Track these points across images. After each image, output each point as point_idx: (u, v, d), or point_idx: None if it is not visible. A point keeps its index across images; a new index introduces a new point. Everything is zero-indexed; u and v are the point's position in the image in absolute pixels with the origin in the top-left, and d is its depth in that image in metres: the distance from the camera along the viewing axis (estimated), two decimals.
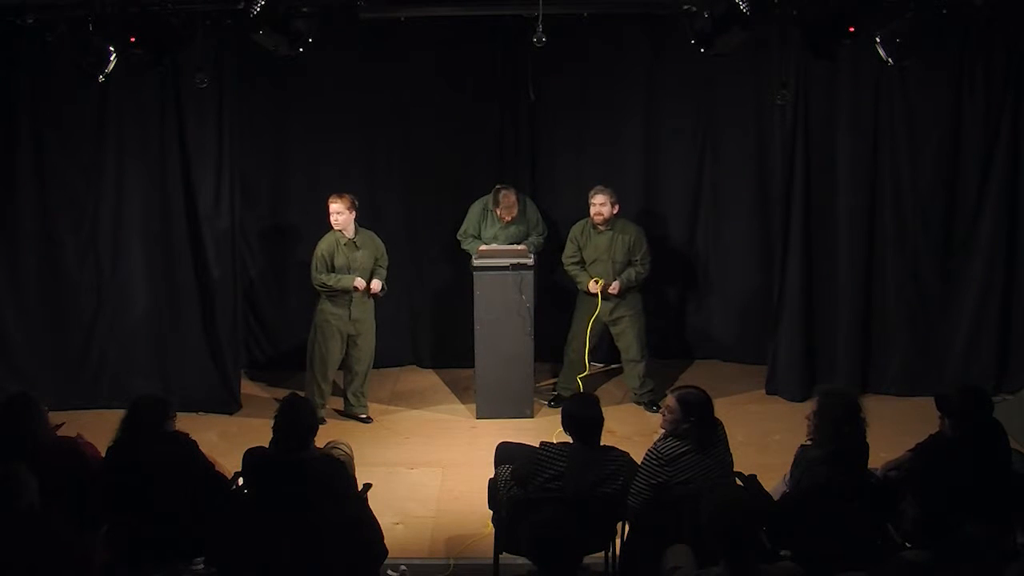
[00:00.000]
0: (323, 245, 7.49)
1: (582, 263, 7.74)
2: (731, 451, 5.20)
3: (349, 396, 7.75)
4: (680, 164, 8.55)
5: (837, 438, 4.87)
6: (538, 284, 7.72)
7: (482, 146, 8.45)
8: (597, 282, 7.60)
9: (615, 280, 7.61)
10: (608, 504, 5.09)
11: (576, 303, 7.85)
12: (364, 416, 7.74)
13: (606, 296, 7.61)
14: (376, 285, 7.55)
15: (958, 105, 7.60)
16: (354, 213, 7.46)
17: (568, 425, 5.21)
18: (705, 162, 8.53)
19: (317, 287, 7.52)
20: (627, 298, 7.73)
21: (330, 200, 7.43)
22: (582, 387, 7.59)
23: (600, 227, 7.64)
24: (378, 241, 7.68)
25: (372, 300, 7.65)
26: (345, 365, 7.71)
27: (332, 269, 7.47)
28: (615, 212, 7.64)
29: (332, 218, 7.42)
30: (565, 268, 7.83)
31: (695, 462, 4.98)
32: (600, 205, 7.59)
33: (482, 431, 7.47)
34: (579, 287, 7.76)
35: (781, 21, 6.69)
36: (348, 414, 7.76)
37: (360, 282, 7.46)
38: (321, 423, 7.41)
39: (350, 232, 7.48)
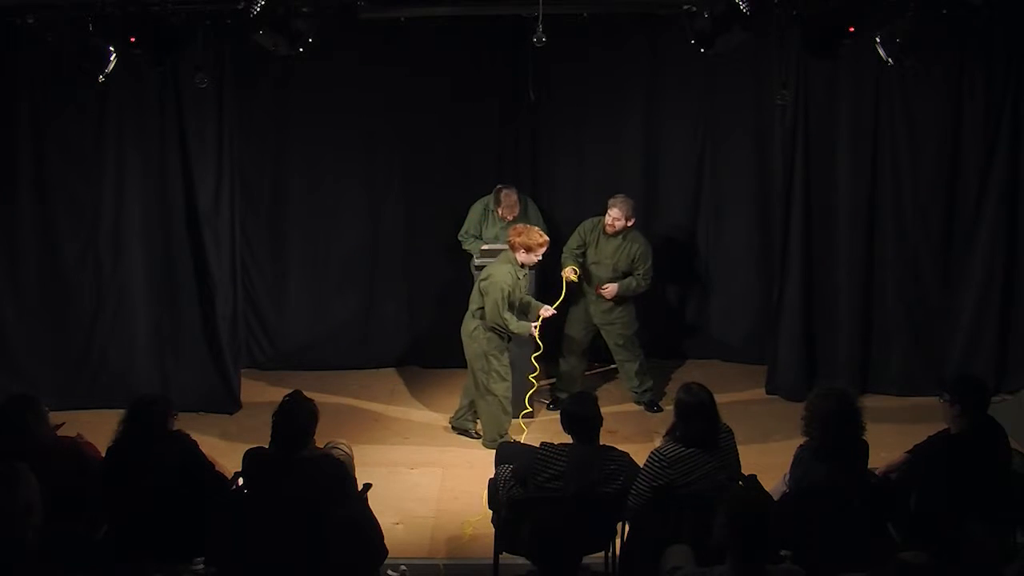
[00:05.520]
0: (507, 279, 6.93)
1: (582, 257, 7.67)
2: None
3: (469, 412, 7.44)
4: (680, 164, 8.55)
5: (828, 436, 4.86)
6: (538, 284, 7.72)
7: (482, 146, 8.44)
8: (575, 271, 7.55)
9: (612, 285, 7.57)
10: (608, 504, 5.09)
11: (568, 313, 7.73)
12: (475, 432, 7.45)
13: (605, 308, 7.61)
14: (549, 311, 7.17)
15: (958, 105, 7.60)
16: None
17: (567, 424, 5.21)
18: (705, 162, 8.53)
19: (494, 324, 7.00)
20: (620, 304, 7.71)
21: (542, 238, 7.00)
22: (536, 384, 7.43)
23: (610, 233, 7.60)
24: None
25: None
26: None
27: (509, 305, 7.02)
28: (629, 225, 7.55)
29: (538, 254, 7.04)
30: (563, 253, 7.72)
31: (698, 464, 4.97)
32: (614, 219, 7.49)
33: None
34: (561, 271, 7.64)
35: (781, 21, 6.69)
36: (462, 429, 7.51)
37: (536, 330, 7.05)
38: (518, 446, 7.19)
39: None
